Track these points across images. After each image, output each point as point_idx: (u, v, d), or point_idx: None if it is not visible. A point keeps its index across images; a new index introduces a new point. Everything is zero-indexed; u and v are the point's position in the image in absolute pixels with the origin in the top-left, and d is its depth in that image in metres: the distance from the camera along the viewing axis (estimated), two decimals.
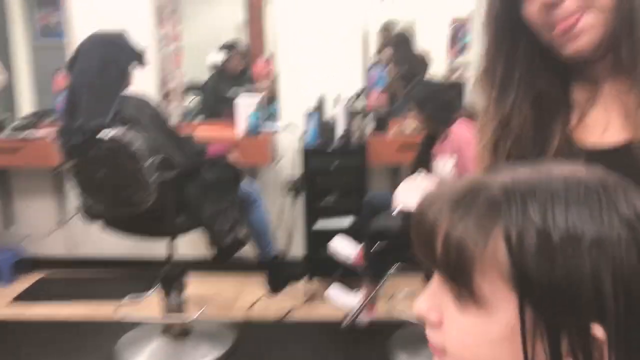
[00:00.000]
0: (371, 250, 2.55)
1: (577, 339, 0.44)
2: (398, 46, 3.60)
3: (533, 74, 0.81)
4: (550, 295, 0.44)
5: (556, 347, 0.44)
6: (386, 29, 3.57)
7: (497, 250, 0.45)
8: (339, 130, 3.16)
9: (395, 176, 3.31)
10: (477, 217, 0.46)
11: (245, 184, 2.75)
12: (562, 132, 0.79)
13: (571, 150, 0.78)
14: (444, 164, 2.44)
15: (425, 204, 0.50)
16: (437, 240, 0.48)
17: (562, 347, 0.44)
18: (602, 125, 0.78)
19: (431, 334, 0.51)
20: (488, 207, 0.46)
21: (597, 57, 0.76)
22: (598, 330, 0.44)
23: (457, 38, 3.49)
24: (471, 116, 2.42)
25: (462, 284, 0.46)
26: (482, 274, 0.45)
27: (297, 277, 3.04)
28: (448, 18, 3.48)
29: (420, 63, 3.57)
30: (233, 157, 2.74)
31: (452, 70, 3.53)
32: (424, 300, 0.51)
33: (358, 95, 3.26)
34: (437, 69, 3.50)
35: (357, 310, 2.72)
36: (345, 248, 2.81)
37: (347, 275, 2.93)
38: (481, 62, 0.85)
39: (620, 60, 0.75)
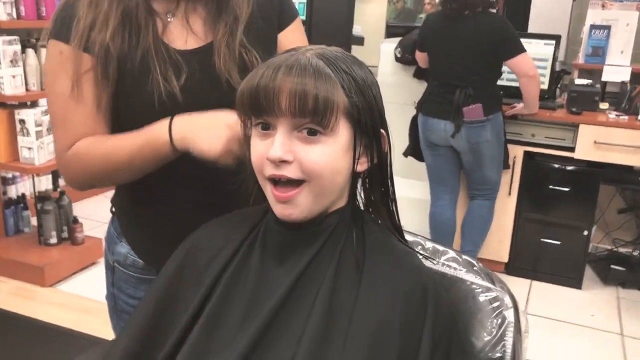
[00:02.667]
0: None
1: (377, 140, 0.79)
2: None
3: None
4: (365, 116, 0.77)
5: (369, 147, 0.78)
6: None
7: (339, 95, 0.74)
8: None
9: None
10: (326, 79, 0.73)
11: None
12: (155, 36, 0.95)
13: (168, 51, 0.96)
14: None
15: (262, 78, 0.73)
16: (283, 99, 0.71)
17: (372, 147, 0.79)
18: (183, 35, 0.99)
19: (288, 171, 0.74)
20: (326, 71, 0.73)
21: None
22: (383, 132, 0.80)
23: None
24: None
25: (326, 123, 0.73)
26: (335, 114, 0.73)
27: None
28: None
29: None
30: None
31: None
32: (279, 148, 0.73)
33: None
34: None
35: None
36: None
37: None
38: None
39: None
